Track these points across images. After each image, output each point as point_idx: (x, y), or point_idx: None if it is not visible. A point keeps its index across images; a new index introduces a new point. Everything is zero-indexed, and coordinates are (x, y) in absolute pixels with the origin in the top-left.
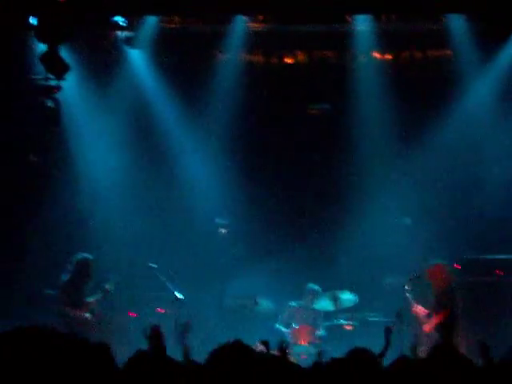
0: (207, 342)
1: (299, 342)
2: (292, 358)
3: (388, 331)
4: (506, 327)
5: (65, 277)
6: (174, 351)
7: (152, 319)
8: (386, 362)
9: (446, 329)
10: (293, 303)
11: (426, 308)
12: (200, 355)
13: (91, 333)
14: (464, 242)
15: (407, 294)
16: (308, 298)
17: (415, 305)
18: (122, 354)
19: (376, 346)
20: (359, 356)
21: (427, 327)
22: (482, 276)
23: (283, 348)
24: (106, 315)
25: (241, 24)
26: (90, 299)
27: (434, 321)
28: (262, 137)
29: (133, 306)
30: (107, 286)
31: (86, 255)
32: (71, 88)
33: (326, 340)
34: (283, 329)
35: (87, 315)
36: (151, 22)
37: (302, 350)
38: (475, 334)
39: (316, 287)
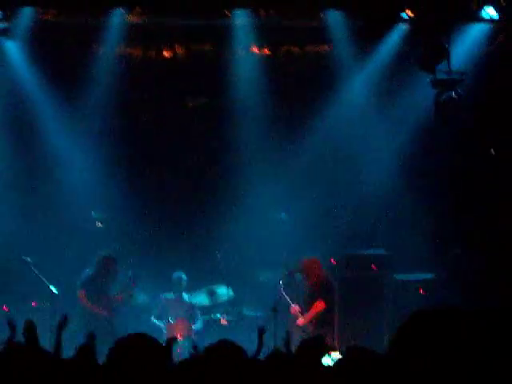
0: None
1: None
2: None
3: (261, 331)
4: (380, 319)
5: (88, 272)
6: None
7: (26, 314)
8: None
9: (319, 323)
10: (165, 295)
11: (299, 304)
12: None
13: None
14: (340, 238)
15: (282, 292)
16: (176, 287)
17: (290, 303)
18: None
19: (251, 341)
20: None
21: (301, 321)
22: (357, 271)
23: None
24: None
25: (119, 17)
26: (113, 297)
27: (309, 315)
28: (139, 129)
29: None
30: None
31: (109, 253)
32: None
33: (201, 334)
34: (158, 322)
35: (104, 312)
36: (27, 13)
37: (178, 344)
38: (351, 326)
39: (182, 275)
